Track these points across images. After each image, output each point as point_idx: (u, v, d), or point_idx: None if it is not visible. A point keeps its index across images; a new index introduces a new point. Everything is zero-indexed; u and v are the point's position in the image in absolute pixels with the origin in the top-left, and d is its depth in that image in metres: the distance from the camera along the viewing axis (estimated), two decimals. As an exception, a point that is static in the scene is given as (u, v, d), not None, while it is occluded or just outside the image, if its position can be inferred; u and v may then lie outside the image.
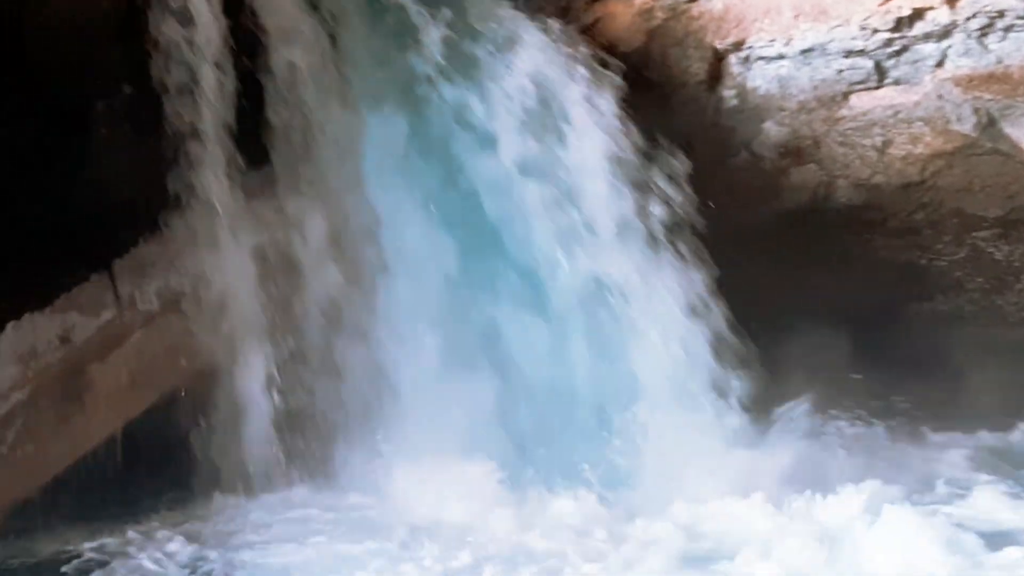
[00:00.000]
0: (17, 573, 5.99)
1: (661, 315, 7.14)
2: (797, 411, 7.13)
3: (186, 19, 6.93)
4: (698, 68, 8.00)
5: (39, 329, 6.58)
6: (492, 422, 7.02)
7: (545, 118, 7.44)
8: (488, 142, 7.38)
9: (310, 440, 7.12)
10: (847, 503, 6.05)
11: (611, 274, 7.20)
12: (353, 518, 6.58)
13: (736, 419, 6.94)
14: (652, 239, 7.26)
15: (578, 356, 7.16)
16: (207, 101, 6.99)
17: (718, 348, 7.04)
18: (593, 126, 7.41)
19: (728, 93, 8.06)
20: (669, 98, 8.06)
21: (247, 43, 7.19)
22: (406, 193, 7.42)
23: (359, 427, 7.14)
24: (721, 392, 6.98)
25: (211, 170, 6.99)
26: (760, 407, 7.11)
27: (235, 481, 7.01)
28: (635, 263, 7.22)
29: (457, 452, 6.78)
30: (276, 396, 7.04)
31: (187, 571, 5.93)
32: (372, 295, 7.32)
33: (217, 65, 7.05)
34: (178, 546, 6.23)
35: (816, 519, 5.99)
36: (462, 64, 7.49)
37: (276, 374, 7.07)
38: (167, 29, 6.90)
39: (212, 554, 6.12)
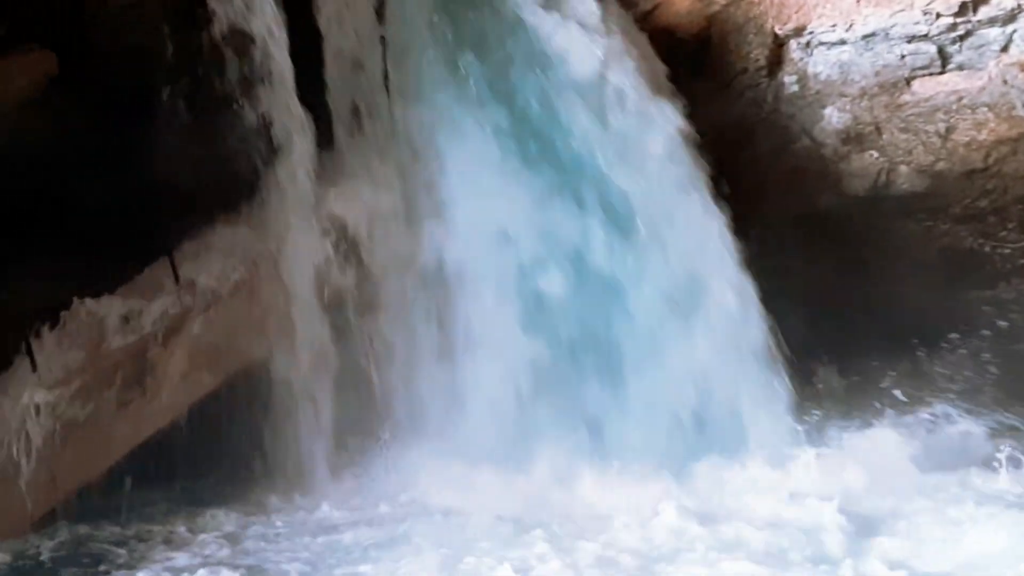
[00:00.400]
0: (77, 557, 6.02)
1: None
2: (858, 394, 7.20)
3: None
4: (758, 54, 7.98)
5: (102, 314, 6.66)
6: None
7: None
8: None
9: (369, 435, 7.03)
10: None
11: None
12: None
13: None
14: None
15: None
16: (278, 88, 6.97)
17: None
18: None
19: (789, 79, 8.03)
20: (729, 85, 8.04)
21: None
22: None
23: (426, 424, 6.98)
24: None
25: (277, 157, 7.00)
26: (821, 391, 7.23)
27: (291, 475, 6.92)
28: None
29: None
30: (335, 387, 6.99)
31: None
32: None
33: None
34: (227, 545, 6.09)
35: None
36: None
37: (337, 362, 7.02)
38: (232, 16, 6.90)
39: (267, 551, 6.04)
